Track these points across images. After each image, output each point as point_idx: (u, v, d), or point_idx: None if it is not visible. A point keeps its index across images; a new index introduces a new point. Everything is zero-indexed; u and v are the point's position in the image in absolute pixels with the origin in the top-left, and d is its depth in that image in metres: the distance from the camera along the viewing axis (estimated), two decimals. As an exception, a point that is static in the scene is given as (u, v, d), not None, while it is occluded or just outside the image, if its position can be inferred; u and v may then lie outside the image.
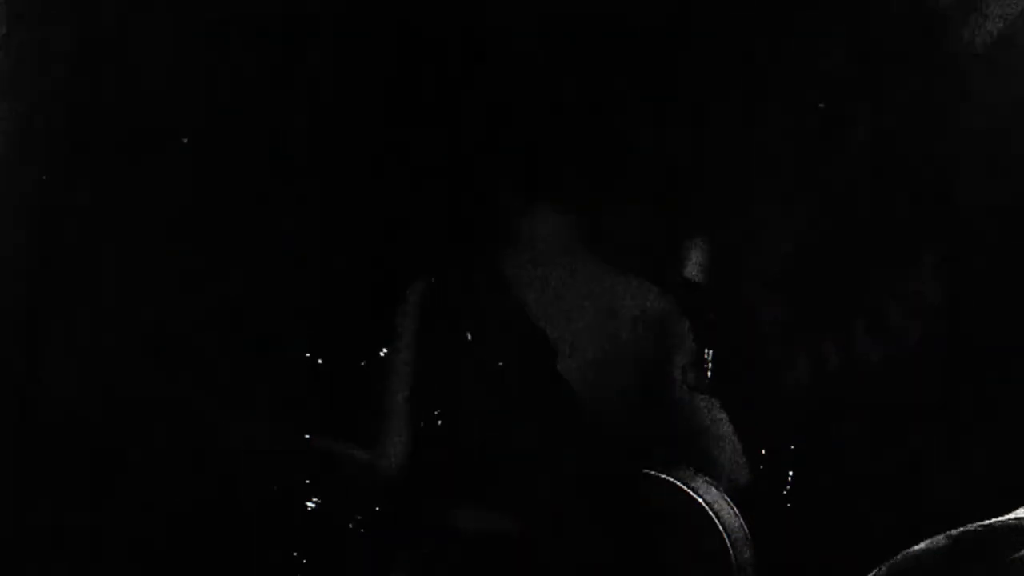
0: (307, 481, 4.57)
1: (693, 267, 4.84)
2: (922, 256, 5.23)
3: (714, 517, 4.49)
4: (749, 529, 4.53)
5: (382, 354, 4.44)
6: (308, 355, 4.96)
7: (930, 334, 5.19)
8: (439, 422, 4.04)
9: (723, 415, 4.42)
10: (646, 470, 4.46)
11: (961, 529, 1.61)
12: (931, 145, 5.20)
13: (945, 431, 4.97)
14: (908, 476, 4.95)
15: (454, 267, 4.20)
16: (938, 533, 1.64)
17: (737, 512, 4.51)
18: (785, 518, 4.99)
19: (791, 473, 5.09)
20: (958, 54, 5.19)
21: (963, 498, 4.54)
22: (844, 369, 5.27)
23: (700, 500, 4.49)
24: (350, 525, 4.66)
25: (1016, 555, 1.52)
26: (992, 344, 4.98)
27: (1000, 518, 1.60)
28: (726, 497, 4.55)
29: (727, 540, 4.48)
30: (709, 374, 4.74)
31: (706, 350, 4.74)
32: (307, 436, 4.45)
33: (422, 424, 4.04)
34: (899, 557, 1.61)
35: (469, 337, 4.04)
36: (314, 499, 4.61)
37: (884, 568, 1.61)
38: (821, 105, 5.37)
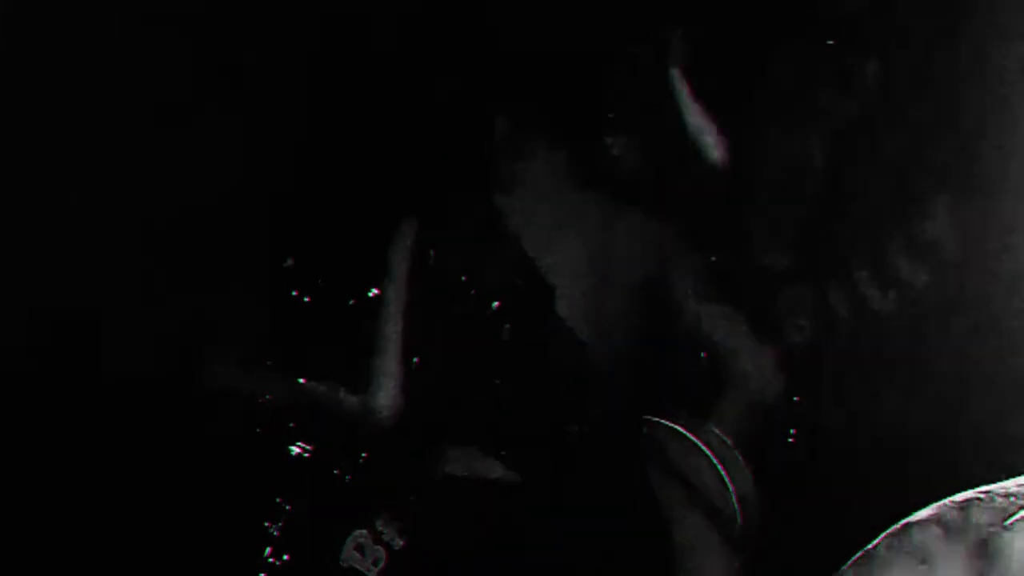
0: (291, 425, 4.52)
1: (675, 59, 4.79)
2: (933, 201, 5.16)
3: (718, 465, 4.42)
4: (757, 478, 4.47)
5: (372, 294, 4.38)
6: (295, 293, 4.89)
7: (939, 281, 5.12)
8: (431, 362, 3.96)
9: (740, 321, 4.30)
10: (650, 417, 4.39)
11: (973, 493, 1.51)
12: (942, 85, 5.14)
13: (954, 382, 4.90)
14: (917, 433, 4.89)
15: (449, 205, 4.12)
16: (948, 493, 1.55)
17: (745, 463, 4.45)
18: (791, 473, 4.92)
19: (793, 431, 5.03)
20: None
21: (974, 456, 4.48)
22: (851, 317, 5.21)
23: (704, 448, 4.43)
24: (336, 471, 4.62)
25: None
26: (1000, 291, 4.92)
27: (1004, 483, 1.50)
28: (732, 447, 4.48)
29: (732, 492, 4.41)
30: None
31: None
32: (295, 380, 4.38)
33: (416, 360, 3.96)
34: (904, 522, 1.51)
35: (464, 278, 3.95)
36: (299, 443, 4.57)
37: (889, 533, 1.51)
38: (830, 42, 5.29)
